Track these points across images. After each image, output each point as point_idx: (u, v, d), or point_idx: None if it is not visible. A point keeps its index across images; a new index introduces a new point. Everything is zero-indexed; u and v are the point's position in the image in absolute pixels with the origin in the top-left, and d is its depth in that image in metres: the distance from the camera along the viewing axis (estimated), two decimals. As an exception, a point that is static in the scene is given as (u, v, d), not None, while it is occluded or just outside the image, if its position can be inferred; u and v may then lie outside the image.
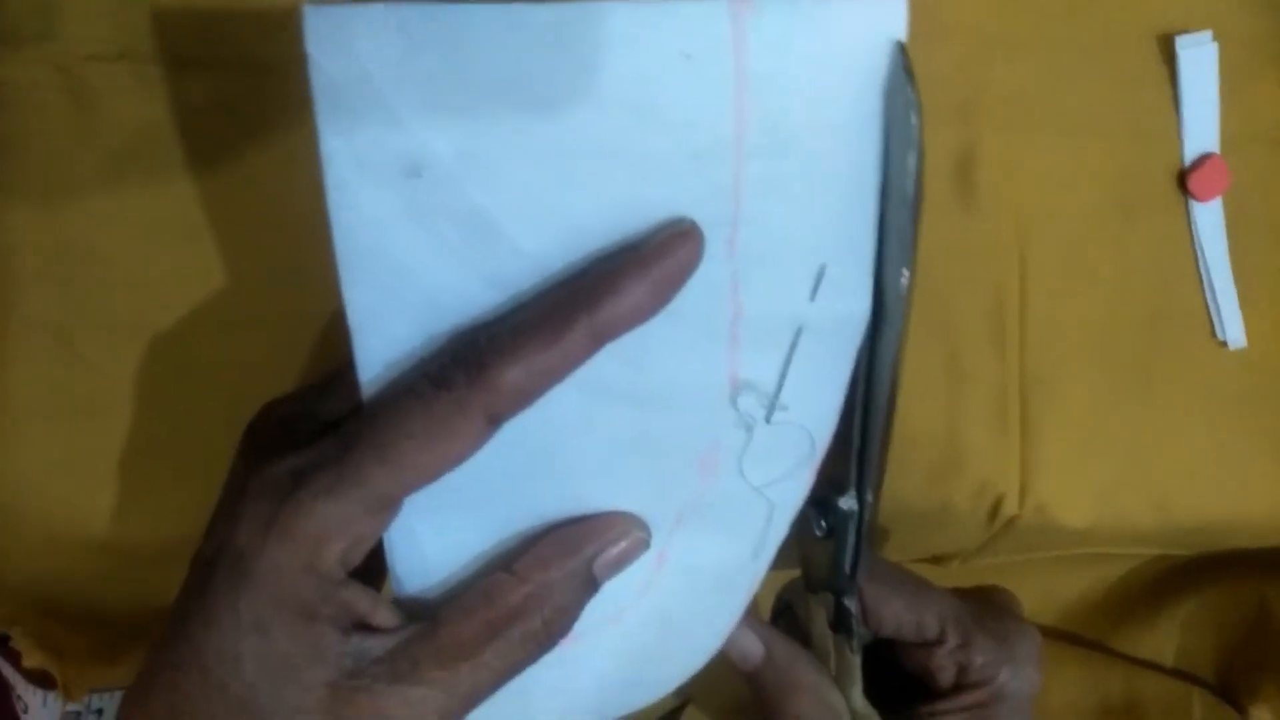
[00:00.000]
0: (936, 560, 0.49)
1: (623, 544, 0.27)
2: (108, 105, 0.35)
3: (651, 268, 0.23)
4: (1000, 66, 0.40)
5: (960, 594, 0.36)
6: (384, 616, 0.25)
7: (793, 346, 0.26)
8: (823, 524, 0.30)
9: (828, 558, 0.31)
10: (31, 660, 0.37)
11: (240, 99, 0.36)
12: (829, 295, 0.26)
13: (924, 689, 0.34)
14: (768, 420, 0.26)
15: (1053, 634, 0.53)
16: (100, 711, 0.39)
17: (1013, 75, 0.40)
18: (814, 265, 0.25)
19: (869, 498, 0.30)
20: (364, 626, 0.25)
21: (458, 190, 0.23)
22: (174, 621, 0.25)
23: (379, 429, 0.24)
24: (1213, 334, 0.43)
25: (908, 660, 0.35)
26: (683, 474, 0.27)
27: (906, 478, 0.41)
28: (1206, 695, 0.52)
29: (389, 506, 0.24)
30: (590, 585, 0.26)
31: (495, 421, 0.23)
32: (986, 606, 0.35)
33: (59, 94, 0.35)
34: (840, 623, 0.32)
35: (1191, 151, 0.42)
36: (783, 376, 0.26)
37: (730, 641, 0.33)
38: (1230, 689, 0.53)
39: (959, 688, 0.33)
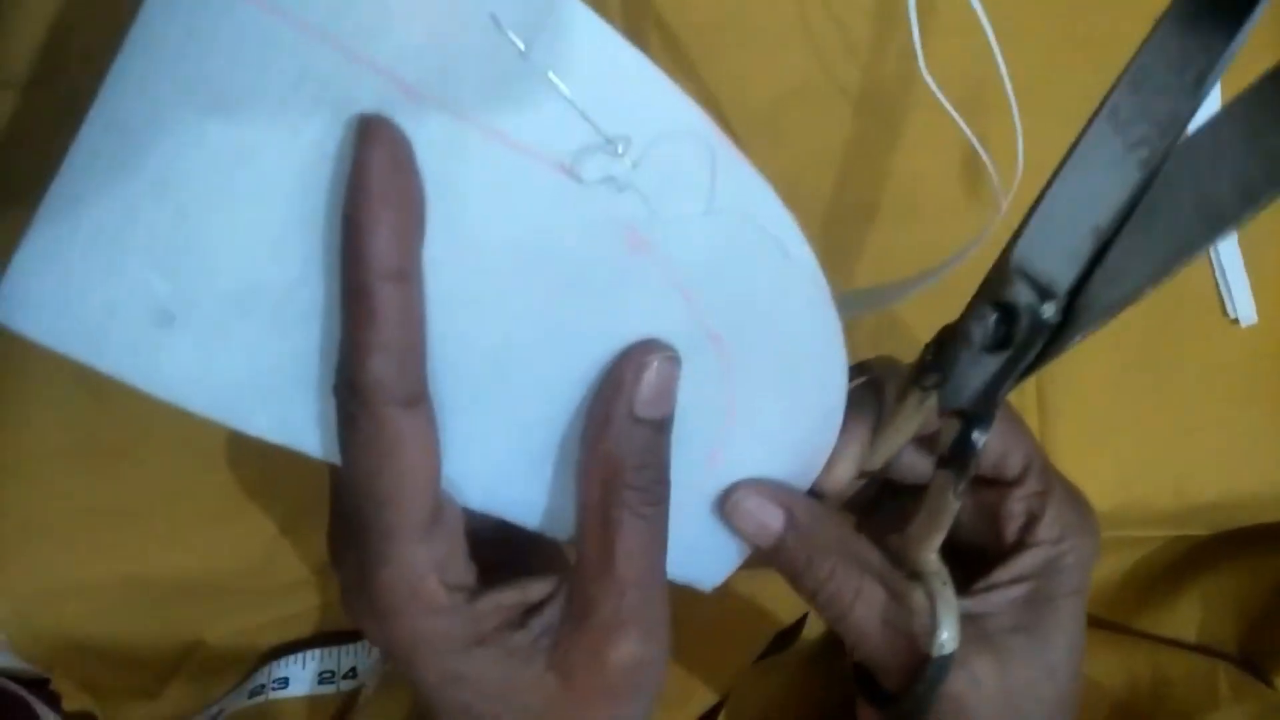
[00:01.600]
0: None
1: (649, 371, 0.25)
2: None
3: (375, 197, 0.21)
4: (1006, 60, 0.41)
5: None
6: (537, 589, 0.26)
7: None
8: (1000, 328, 0.25)
9: (983, 374, 0.25)
10: (72, 703, 0.37)
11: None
12: None
13: (974, 563, 0.30)
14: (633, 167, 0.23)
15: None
16: (142, 748, 0.39)
17: (1018, 68, 0.40)
18: None
19: (1084, 314, 0.23)
20: (530, 610, 0.26)
21: None
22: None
23: (357, 486, 0.23)
24: (1224, 312, 0.44)
25: (975, 503, 0.31)
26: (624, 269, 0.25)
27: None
28: (1232, 669, 0.52)
29: (428, 529, 0.24)
30: (648, 427, 0.25)
31: (412, 402, 0.22)
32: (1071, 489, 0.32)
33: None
34: (957, 455, 0.26)
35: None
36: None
37: (744, 516, 0.29)
38: (1255, 661, 0.53)
39: (1021, 545, 0.29)
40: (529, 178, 0.22)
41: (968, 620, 0.27)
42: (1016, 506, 0.30)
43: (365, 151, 0.20)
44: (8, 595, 0.36)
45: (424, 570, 0.24)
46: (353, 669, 0.41)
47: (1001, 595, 0.29)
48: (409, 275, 0.21)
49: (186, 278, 0.22)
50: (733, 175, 0.24)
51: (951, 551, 0.27)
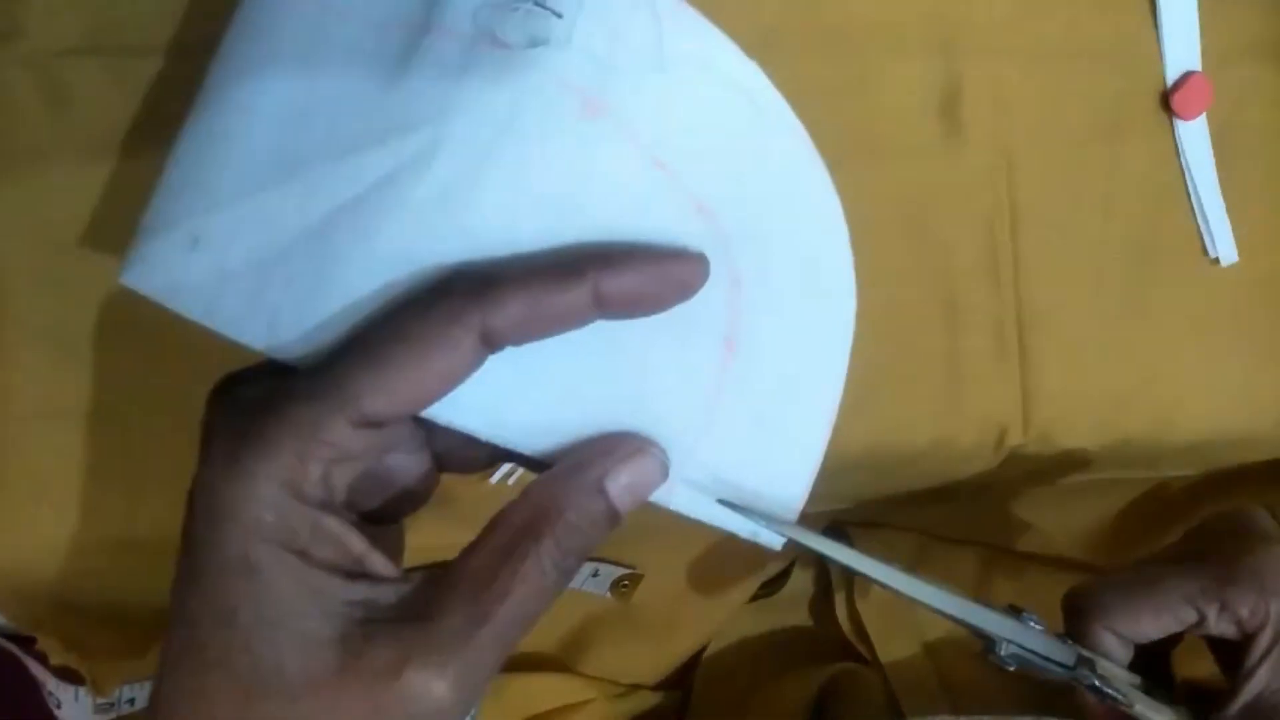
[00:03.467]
0: (944, 497, 0.49)
1: (636, 462, 0.25)
2: (82, 101, 0.35)
3: (669, 264, 0.24)
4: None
5: (1192, 550, 0.36)
6: (380, 563, 0.23)
7: None
8: (1009, 665, 0.31)
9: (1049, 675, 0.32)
10: (58, 660, 0.37)
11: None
12: None
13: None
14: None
15: (1067, 564, 0.54)
16: (133, 701, 0.40)
17: (992, 6, 0.40)
18: None
19: (1007, 633, 0.31)
20: (364, 574, 0.23)
21: None
22: (172, 603, 0.23)
23: (369, 334, 0.23)
24: (1204, 251, 0.43)
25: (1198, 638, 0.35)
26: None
27: (910, 415, 0.41)
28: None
29: (375, 422, 0.22)
30: (604, 504, 0.24)
31: (490, 343, 0.22)
32: (1222, 548, 0.35)
33: (32, 92, 0.35)
34: (1104, 696, 0.32)
35: (1174, 70, 0.42)
36: None
37: None
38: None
39: (1248, 636, 0.33)
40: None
41: (1250, 708, 0.33)
42: (1219, 628, 0.34)
43: (698, 263, 0.25)
44: (-7, 555, 0.36)
45: (331, 439, 0.22)
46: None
47: (1262, 673, 0.33)
48: (594, 311, 0.23)
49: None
50: (680, 24, 0.24)
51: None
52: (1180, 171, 0.43)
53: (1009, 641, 0.31)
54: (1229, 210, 0.43)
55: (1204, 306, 0.44)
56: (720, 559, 0.52)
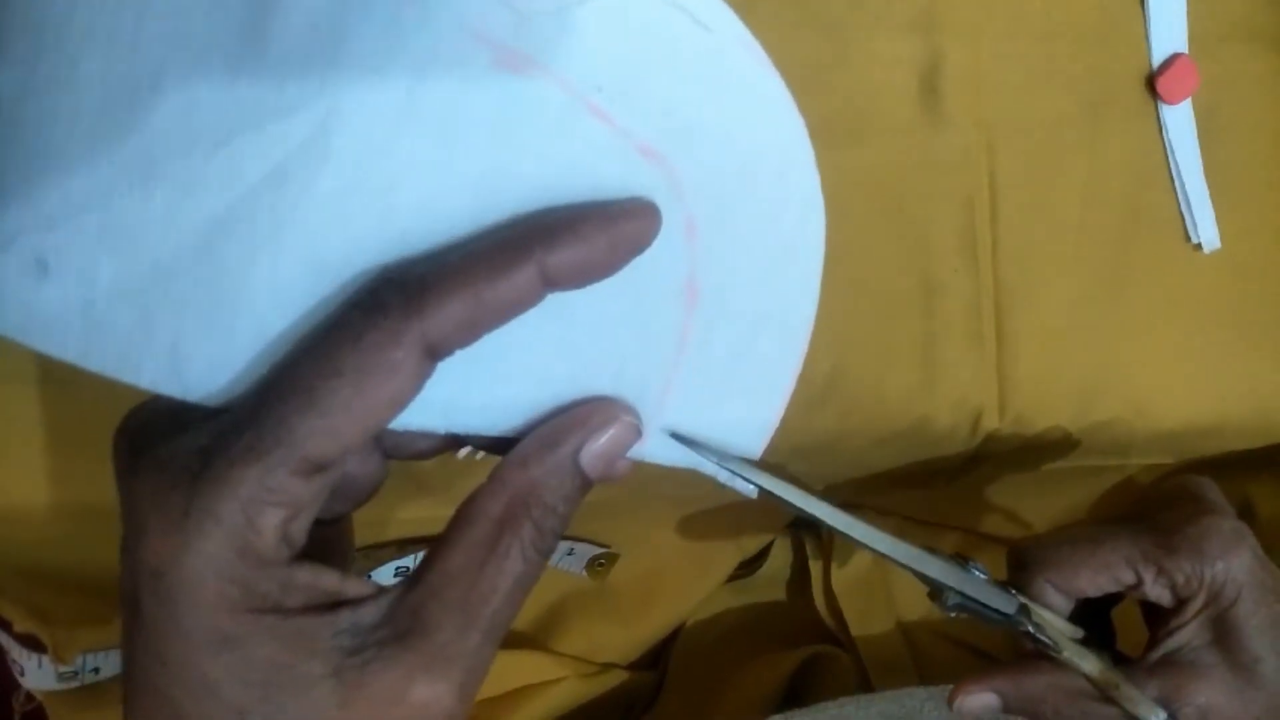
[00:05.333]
0: (922, 482, 0.49)
1: (610, 431, 0.24)
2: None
3: (617, 223, 0.22)
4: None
5: (1137, 514, 0.37)
6: (357, 586, 0.22)
7: None
8: (950, 612, 0.32)
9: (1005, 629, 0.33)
10: (21, 627, 0.37)
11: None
12: None
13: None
14: None
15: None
16: (97, 670, 0.40)
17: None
18: None
19: (954, 582, 0.32)
20: (343, 603, 0.22)
21: None
22: (126, 683, 0.22)
23: (300, 372, 0.20)
24: (1186, 237, 0.43)
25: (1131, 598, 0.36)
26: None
27: (885, 397, 0.41)
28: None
29: (323, 466, 0.21)
30: (579, 479, 0.24)
31: (434, 355, 0.21)
32: (1166, 516, 0.35)
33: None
34: (1037, 642, 0.34)
35: (1159, 53, 0.42)
36: None
37: (965, 711, 0.35)
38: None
39: (1180, 601, 0.34)
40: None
41: (1166, 659, 0.34)
42: (1154, 592, 0.34)
43: (648, 214, 0.23)
44: (-46, 521, 0.36)
45: (278, 500, 0.20)
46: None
47: (1185, 631, 0.34)
48: (545, 292, 0.22)
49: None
50: None
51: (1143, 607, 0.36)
52: (1163, 155, 0.42)
53: (954, 590, 0.32)
54: (1211, 195, 0.42)
55: (1184, 292, 0.43)
56: (697, 539, 0.52)
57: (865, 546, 0.30)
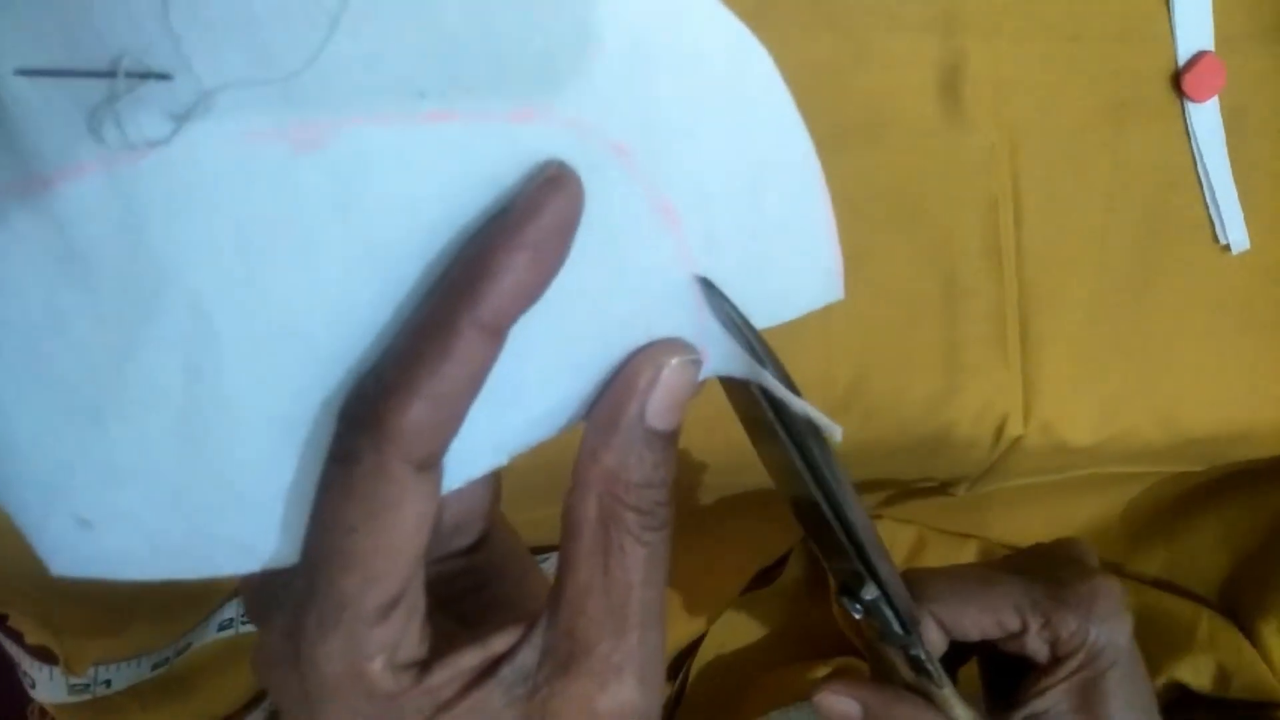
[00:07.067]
0: (943, 488, 0.48)
1: (662, 382, 0.22)
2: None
3: (525, 230, 0.19)
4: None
5: (1029, 565, 0.36)
6: (502, 640, 0.22)
7: None
8: (858, 608, 0.31)
9: (877, 628, 0.32)
10: (33, 638, 0.37)
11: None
12: None
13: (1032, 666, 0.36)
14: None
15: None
16: (108, 683, 0.39)
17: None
18: None
19: (886, 576, 0.30)
20: (498, 660, 0.22)
21: None
22: None
23: (326, 536, 0.20)
24: (1214, 238, 0.42)
25: (1005, 649, 0.36)
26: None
27: (907, 403, 0.40)
28: (1216, 617, 0.52)
29: (394, 603, 0.21)
30: (657, 441, 0.22)
31: (427, 465, 0.20)
32: (1057, 571, 0.35)
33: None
34: (918, 669, 0.33)
35: (1185, 50, 0.41)
36: None
37: (826, 712, 0.34)
38: (1237, 606, 0.53)
39: (1057, 659, 0.34)
40: None
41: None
42: (1035, 644, 0.34)
43: (548, 194, 0.19)
44: (-35, 532, 0.36)
45: (372, 651, 0.20)
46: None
47: (1054, 694, 0.34)
48: (502, 337, 0.20)
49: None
50: None
51: (1013, 662, 0.35)
52: (1190, 155, 0.41)
53: (860, 602, 0.31)
54: (1240, 195, 0.41)
55: (1213, 294, 0.42)
56: (714, 550, 0.51)
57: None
